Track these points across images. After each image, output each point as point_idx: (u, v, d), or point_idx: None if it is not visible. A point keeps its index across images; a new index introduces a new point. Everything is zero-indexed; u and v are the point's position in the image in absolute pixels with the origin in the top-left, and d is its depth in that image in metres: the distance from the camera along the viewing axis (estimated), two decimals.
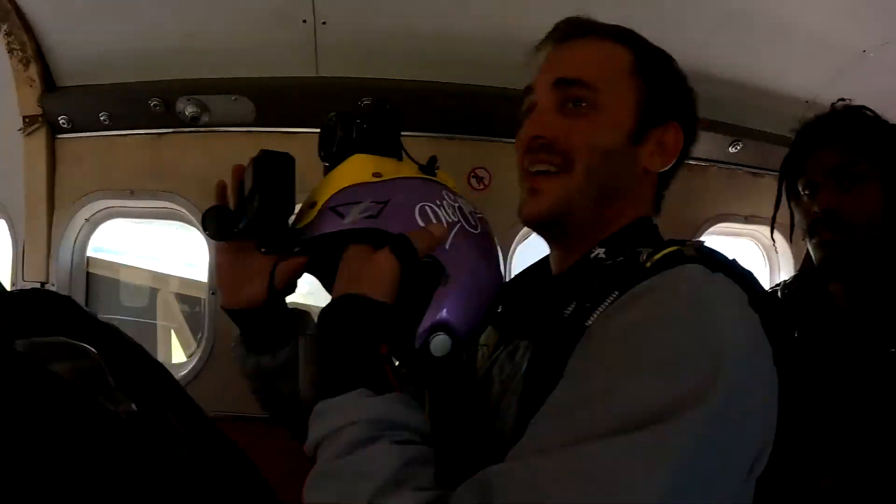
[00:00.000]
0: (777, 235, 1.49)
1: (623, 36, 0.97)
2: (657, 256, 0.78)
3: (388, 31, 1.97)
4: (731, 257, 0.82)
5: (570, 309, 0.81)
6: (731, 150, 2.34)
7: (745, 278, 0.78)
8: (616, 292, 0.76)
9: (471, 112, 2.13)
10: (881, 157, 1.29)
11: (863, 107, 1.36)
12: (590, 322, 0.75)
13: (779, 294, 1.49)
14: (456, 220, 0.96)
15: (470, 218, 1.00)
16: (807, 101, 2.05)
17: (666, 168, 0.96)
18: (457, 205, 0.99)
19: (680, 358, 0.64)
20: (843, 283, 1.35)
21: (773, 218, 1.46)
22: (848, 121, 1.34)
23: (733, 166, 2.43)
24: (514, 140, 0.97)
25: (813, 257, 1.35)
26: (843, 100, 1.40)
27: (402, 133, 1.02)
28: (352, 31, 1.97)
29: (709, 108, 2.25)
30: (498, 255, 1.04)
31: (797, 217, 1.40)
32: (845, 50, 2.11)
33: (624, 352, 0.68)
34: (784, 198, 1.44)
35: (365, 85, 2.01)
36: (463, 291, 0.93)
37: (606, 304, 0.76)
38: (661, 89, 0.95)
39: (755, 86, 2.26)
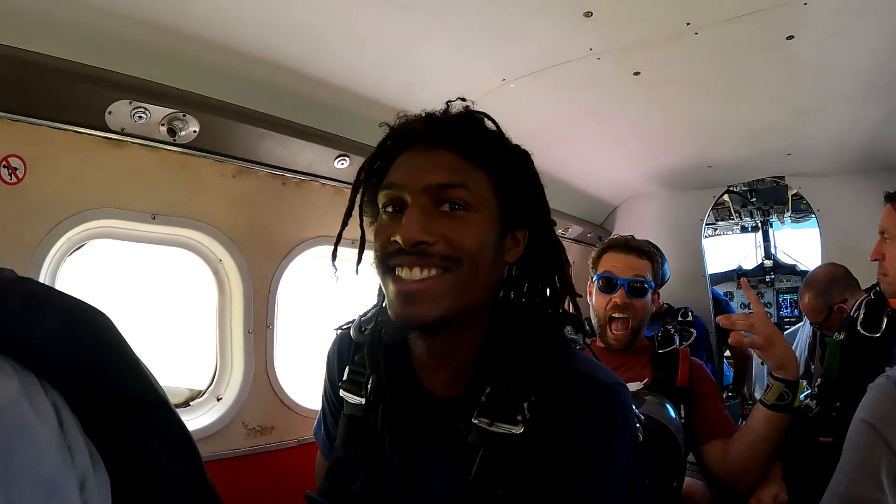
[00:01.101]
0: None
1: None
2: None
3: None
4: None
5: None
6: (338, 164, 2.22)
7: None
8: None
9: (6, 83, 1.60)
10: (500, 176, 1.09)
11: (486, 114, 1.15)
12: None
13: (351, 333, 1.26)
14: None
15: None
16: (459, 99, 2.07)
17: None
18: None
19: None
20: (423, 338, 1.12)
21: (338, 238, 1.17)
22: (467, 125, 1.10)
23: (340, 183, 2.32)
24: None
25: (388, 306, 1.08)
26: (463, 99, 1.17)
27: None
28: None
29: (313, 115, 2.11)
30: None
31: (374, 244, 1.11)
32: (487, 78, 2.18)
33: None
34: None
35: None
36: None
37: None
38: None
39: (374, 98, 2.19)
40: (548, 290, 1.15)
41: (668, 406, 1.99)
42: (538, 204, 1.14)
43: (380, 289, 1.22)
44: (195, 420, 2.02)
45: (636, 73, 2.21)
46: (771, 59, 2.16)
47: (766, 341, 1.77)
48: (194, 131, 1.81)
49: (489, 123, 1.14)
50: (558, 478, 1.02)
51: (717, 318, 1.89)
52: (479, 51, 2.04)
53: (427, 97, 2.16)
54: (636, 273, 2.29)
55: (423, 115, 1.13)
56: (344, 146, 2.20)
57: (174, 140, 1.79)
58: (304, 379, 2.31)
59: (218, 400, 2.08)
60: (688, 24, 1.88)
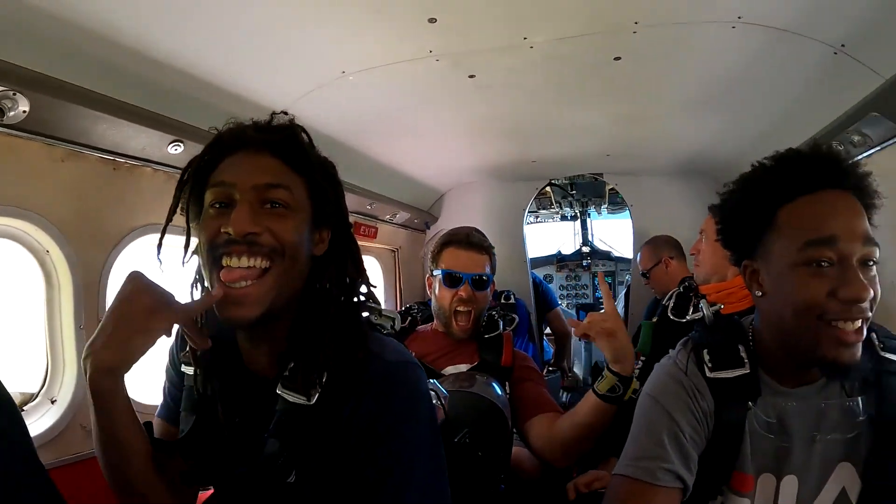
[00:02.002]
0: None
1: None
2: None
3: None
4: None
5: None
6: (172, 150, 2.20)
7: None
8: None
9: None
10: (313, 182, 1.30)
11: (303, 128, 1.34)
12: None
13: None
14: None
15: None
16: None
17: None
18: None
19: None
20: (246, 331, 1.31)
21: (162, 233, 1.30)
22: (290, 136, 1.30)
23: (173, 169, 2.29)
24: None
25: (215, 306, 1.23)
26: (285, 113, 1.35)
27: None
28: None
29: (148, 98, 2.11)
30: None
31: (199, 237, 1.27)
32: (327, 69, 2.28)
33: None
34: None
35: None
36: None
37: None
38: None
39: (211, 82, 2.20)
40: (347, 280, 1.36)
41: (494, 385, 2.24)
42: (340, 208, 1.36)
43: (200, 281, 1.35)
44: (30, 427, 1.92)
45: (471, 76, 2.41)
46: (598, 75, 2.46)
47: (609, 333, 1.99)
48: (24, 111, 1.71)
49: (305, 136, 1.33)
50: (352, 453, 1.18)
51: (576, 330, 2.13)
52: (320, 43, 2.13)
53: (265, 84, 2.28)
54: (478, 268, 2.51)
55: (251, 122, 1.31)
56: (178, 131, 2.18)
57: (2, 120, 1.69)
58: (141, 374, 2.24)
59: (52, 402, 2.01)
60: (525, 38, 2.10)
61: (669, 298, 2.71)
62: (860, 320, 1.30)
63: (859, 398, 1.40)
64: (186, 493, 1.36)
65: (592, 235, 7.65)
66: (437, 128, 3.16)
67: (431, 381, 1.89)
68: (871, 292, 1.29)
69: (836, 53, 2.12)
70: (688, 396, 1.44)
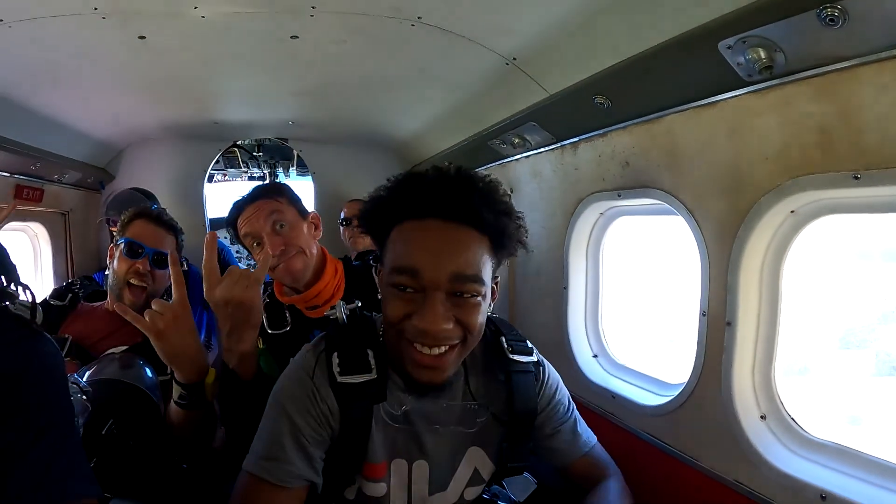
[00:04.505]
0: None
1: None
2: None
3: None
4: None
5: None
6: None
7: None
8: None
9: None
10: None
11: None
12: None
13: None
14: None
15: None
16: None
17: None
18: None
19: None
20: None
21: None
22: None
23: None
24: None
25: None
26: None
27: None
28: None
29: None
30: None
31: None
32: None
33: None
34: None
35: None
36: None
37: None
38: None
39: None
40: None
41: (146, 368, 2.12)
42: None
43: None
44: None
45: (142, 38, 2.28)
46: (276, 50, 2.50)
47: (157, 334, 1.87)
48: None
49: None
50: None
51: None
52: None
53: None
54: (161, 245, 2.49)
55: None
56: None
57: None
58: None
59: None
60: (195, 7, 2.06)
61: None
62: (441, 347, 1.39)
63: (479, 402, 1.59)
64: None
65: None
66: (109, 84, 2.95)
67: (73, 375, 1.78)
68: (450, 324, 1.37)
69: (507, 64, 2.38)
70: (309, 400, 1.48)
